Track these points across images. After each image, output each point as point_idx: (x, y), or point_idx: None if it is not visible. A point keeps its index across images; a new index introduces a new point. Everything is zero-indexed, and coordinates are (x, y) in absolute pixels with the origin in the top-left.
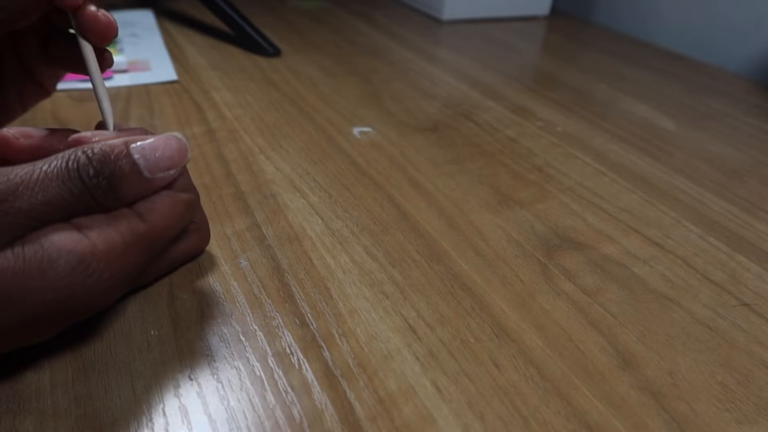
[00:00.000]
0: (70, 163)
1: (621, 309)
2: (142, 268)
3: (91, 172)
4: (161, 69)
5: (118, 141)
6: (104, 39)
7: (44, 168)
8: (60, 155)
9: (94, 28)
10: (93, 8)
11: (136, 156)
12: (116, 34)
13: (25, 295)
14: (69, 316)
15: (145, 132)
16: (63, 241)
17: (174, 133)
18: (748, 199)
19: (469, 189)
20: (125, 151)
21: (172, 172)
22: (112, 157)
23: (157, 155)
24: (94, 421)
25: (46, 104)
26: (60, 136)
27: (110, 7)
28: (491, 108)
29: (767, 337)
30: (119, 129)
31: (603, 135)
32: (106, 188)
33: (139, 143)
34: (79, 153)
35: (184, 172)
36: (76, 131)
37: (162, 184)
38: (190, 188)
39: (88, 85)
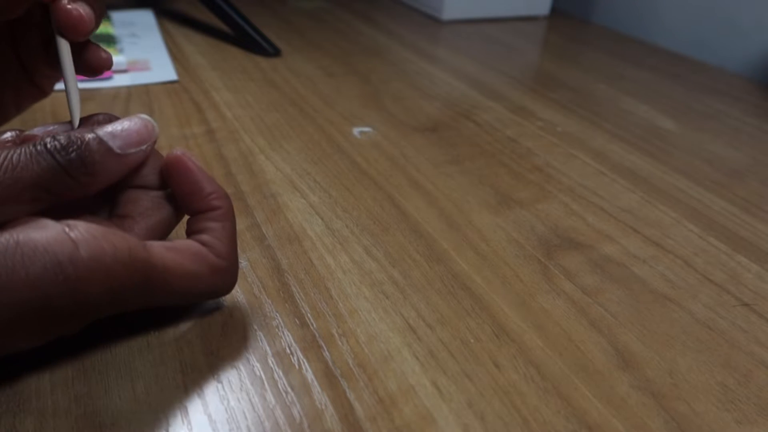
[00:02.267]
0: (38, 146)
1: (621, 309)
2: (133, 298)
3: (59, 146)
4: (161, 69)
5: (86, 128)
6: (76, 33)
7: (10, 153)
8: (25, 144)
9: (65, 22)
10: (65, 2)
11: (102, 135)
12: (89, 28)
13: None
14: (46, 327)
15: (109, 118)
16: (41, 237)
17: (139, 114)
18: (748, 199)
19: (469, 189)
20: (93, 134)
21: (144, 147)
22: (80, 136)
23: (122, 131)
24: (94, 421)
25: (46, 104)
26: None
27: (110, 7)
28: (491, 108)
29: (767, 337)
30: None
31: (603, 135)
32: (76, 162)
33: (107, 126)
34: (48, 138)
35: (224, 237)
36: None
37: (136, 160)
38: (226, 257)
39: (89, 85)
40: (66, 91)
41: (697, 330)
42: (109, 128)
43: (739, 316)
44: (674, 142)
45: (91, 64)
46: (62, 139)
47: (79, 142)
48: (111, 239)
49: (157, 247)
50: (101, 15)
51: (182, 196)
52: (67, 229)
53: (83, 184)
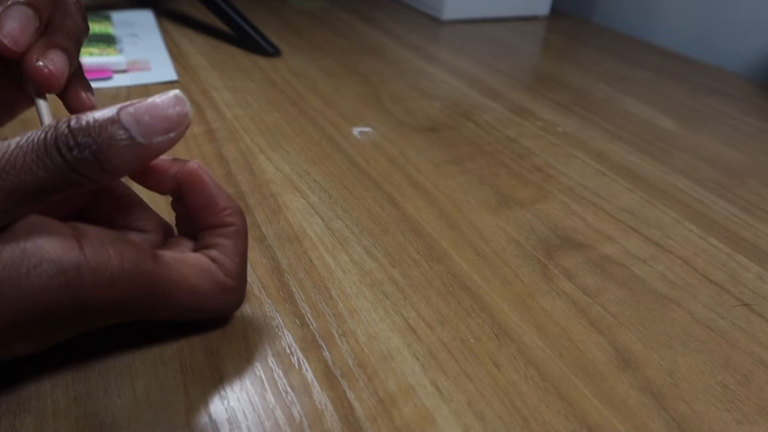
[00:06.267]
0: (48, 136)
1: (621, 309)
2: (137, 309)
3: (71, 142)
4: (161, 69)
5: (108, 109)
6: (50, 89)
7: (20, 142)
8: (41, 128)
9: (37, 81)
10: (34, 59)
11: (125, 120)
12: (62, 81)
13: None
14: (47, 334)
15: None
16: (48, 245)
17: (174, 90)
18: (748, 199)
19: (469, 189)
20: (115, 117)
21: (172, 134)
22: (98, 125)
23: (148, 117)
24: (94, 421)
25: None
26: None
27: (110, 7)
28: (491, 108)
29: (767, 337)
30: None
31: (603, 135)
32: (90, 160)
33: (131, 107)
34: (61, 123)
35: (235, 256)
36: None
37: (163, 149)
38: (235, 276)
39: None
40: None
41: (697, 330)
42: (138, 114)
43: (739, 316)
44: (674, 142)
45: (71, 107)
46: (77, 132)
47: (95, 136)
48: (119, 247)
49: (166, 257)
50: (76, 55)
51: (195, 210)
52: (75, 234)
53: (96, 180)
